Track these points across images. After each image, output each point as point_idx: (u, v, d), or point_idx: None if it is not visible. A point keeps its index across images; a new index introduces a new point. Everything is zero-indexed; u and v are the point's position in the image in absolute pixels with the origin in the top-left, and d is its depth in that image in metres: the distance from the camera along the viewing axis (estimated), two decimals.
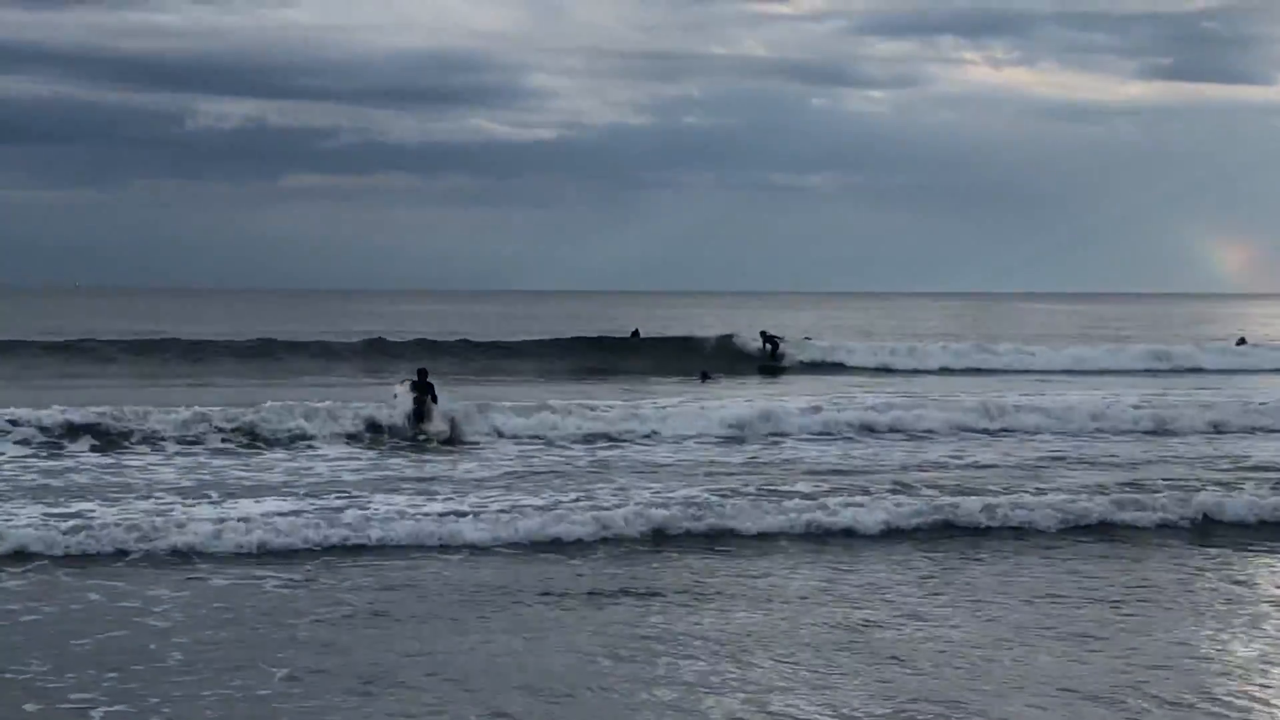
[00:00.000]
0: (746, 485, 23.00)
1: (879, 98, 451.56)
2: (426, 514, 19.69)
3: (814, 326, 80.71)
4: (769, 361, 56.08)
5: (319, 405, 30.04)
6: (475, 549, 18.24)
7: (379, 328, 74.40)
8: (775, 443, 29.92)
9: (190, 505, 20.23)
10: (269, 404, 29.67)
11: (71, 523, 18.43)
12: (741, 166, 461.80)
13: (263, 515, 19.11)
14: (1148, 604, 15.72)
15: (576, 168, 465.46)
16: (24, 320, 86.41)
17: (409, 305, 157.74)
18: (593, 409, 31.74)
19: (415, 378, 31.11)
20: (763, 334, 59.52)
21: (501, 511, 19.84)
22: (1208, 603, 15.81)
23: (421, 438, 29.33)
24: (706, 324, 76.60)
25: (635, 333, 65.33)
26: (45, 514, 19.25)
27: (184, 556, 17.38)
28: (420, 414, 29.98)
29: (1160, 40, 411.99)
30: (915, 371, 55.17)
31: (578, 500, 21.20)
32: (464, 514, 19.64)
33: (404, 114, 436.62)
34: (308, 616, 14.54)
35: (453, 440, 29.19)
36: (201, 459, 25.94)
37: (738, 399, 35.92)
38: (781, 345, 57.66)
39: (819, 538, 19.43)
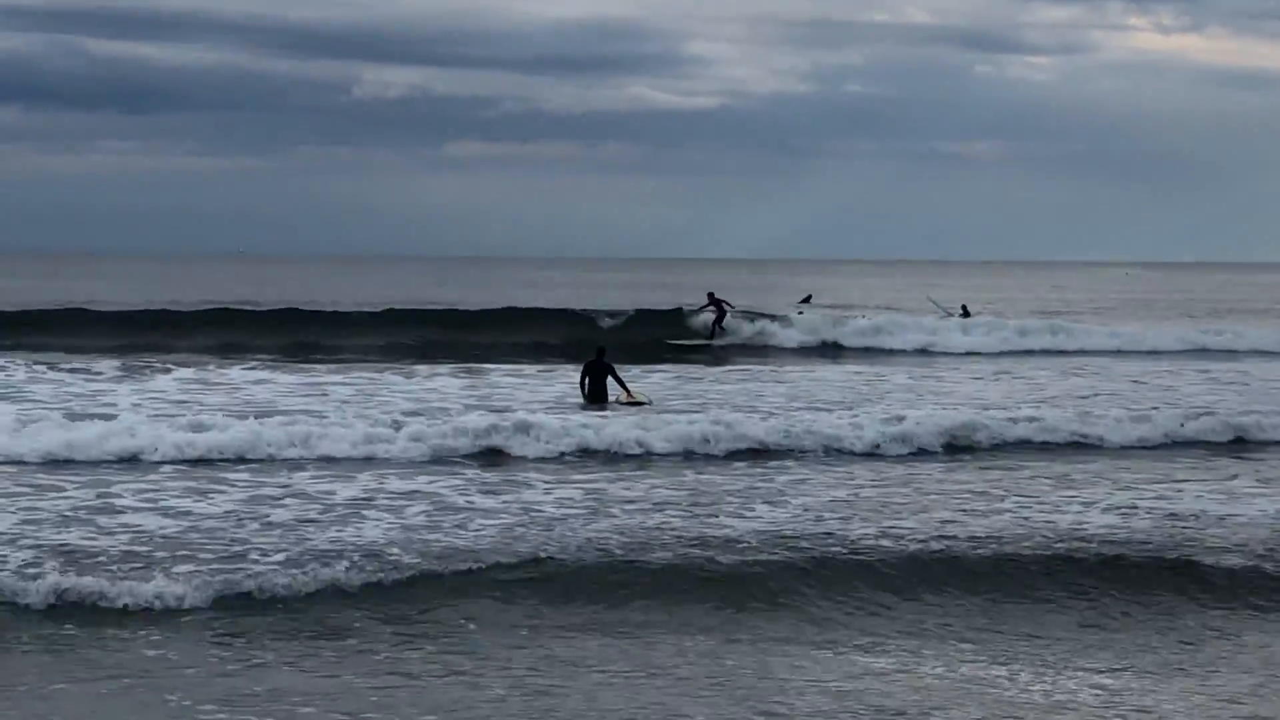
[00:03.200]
0: None
1: (1043, 64, 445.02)
2: None
3: (964, 296, 77.67)
4: (706, 337, 50.53)
5: None
6: None
7: (517, 296, 73.90)
8: None
9: None
10: None
11: None
12: (903, 134, 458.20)
13: None
14: None
15: (737, 136, 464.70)
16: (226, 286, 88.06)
17: (568, 273, 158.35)
18: None
19: (594, 356, 28.92)
20: (710, 295, 52.87)
21: None
22: None
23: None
24: (864, 292, 75.02)
25: (808, 298, 64.16)
26: None
27: None
28: (596, 395, 27.92)
29: None
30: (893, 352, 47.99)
31: None
32: None
33: (565, 82, 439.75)
34: None
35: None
36: None
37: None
38: (728, 316, 51.39)
39: None
